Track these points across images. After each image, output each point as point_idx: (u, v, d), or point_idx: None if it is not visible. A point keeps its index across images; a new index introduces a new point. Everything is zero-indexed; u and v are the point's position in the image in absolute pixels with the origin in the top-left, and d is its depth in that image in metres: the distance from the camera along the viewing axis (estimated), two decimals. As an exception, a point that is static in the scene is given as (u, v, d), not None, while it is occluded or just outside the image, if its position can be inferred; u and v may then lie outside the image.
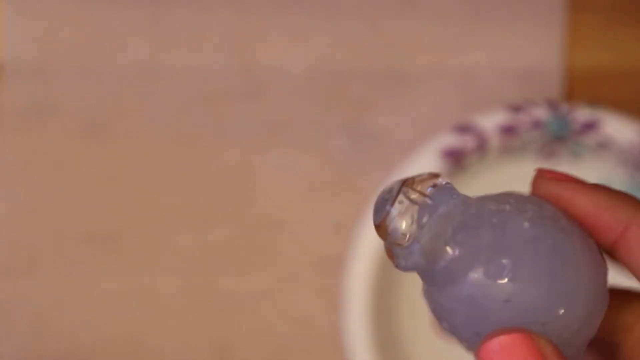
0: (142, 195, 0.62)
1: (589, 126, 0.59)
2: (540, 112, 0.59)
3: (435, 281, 0.30)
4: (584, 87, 0.62)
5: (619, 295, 0.32)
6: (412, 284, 0.61)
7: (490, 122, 0.59)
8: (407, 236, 0.30)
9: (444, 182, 0.31)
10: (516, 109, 0.59)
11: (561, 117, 0.59)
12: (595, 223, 0.30)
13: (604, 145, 0.59)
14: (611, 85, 0.63)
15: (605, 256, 0.31)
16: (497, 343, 0.28)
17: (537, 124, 0.59)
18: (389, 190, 0.31)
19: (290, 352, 0.62)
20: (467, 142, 0.59)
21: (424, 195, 0.30)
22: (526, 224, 0.30)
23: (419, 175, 0.31)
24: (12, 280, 0.62)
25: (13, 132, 0.63)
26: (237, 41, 0.63)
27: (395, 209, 0.31)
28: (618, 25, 0.63)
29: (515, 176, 0.61)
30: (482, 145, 0.59)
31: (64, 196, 0.62)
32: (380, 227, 0.31)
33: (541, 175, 0.31)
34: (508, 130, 0.59)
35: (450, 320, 0.30)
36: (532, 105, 0.59)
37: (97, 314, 0.62)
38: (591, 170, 0.61)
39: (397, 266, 0.30)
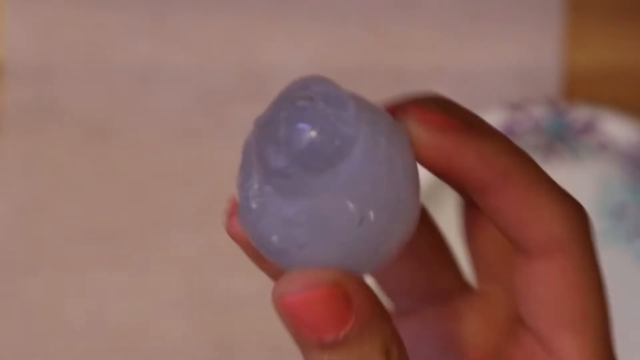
0: (142, 195, 0.62)
1: (589, 126, 0.59)
2: (540, 112, 0.59)
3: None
4: (584, 87, 0.62)
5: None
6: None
7: (490, 121, 0.59)
8: None
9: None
10: (516, 108, 0.59)
11: (561, 117, 0.59)
12: (469, 174, 0.29)
13: (604, 145, 0.59)
14: (611, 85, 0.63)
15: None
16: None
17: (536, 124, 0.59)
18: None
19: (290, 351, 0.62)
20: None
21: None
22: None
23: None
24: (12, 279, 0.62)
25: (14, 132, 0.63)
26: (238, 41, 0.63)
27: None
28: (618, 25, 0.63)
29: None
30: (481, 145, 0.59)
31: (64, 196, 0.62)
32: None
33: (420, 119, 0.29)
34: (507, 130, 0.59)
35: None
36: (532, 105, 0.59)
37: (97, 313, 0.62)
38: (591, 170, 0.61)
39: None
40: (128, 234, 0.62)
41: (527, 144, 0.60)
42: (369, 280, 0.30)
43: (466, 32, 0.63)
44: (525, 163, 0.29)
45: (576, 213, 0.29)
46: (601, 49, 0.63)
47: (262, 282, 0.63)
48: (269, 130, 0.28)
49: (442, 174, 0.30)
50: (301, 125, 0.28)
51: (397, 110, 0.29)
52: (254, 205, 0.28)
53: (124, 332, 0.62)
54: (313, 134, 0.27)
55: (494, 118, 0.59)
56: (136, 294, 0.62)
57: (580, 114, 0.59)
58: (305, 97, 0.28)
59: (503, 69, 0.62)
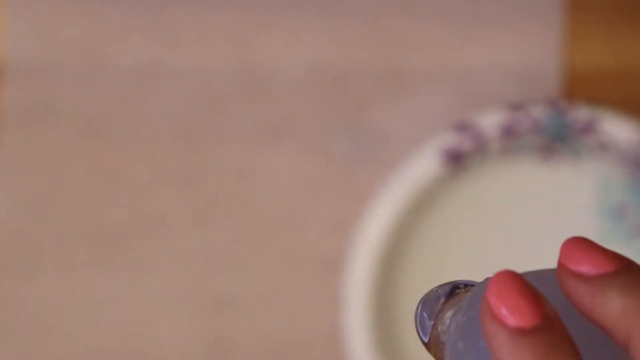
0: (142, 195, 0.63)
1: (589, 126, 0.59)
2: (540, 112, 0.59)
3: None
4: (584, 87, 0.63)
5: None
6: (411, 283, 0.61)
7: (490, 121, 0.59)
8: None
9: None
10: (516, 108, 0.59)
11: (561, 117, 0.59)
12: (608, 327, 0.29)
13: (604, 145, 0.59)
14: (611, 85, 0.63)
15: None
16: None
17: (537, 124, 0.59)
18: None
19: (290, 352, 0.62)
20: (466, 141, 0.59)
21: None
22: None
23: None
24: (12, 279, 0.62)
25: (14, 132, 0.63)
26: (238, 41, 0.63)
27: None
28: (618, 25, 0.63)
29: (514, 176, 0.61)
30: (481, 145, 0.59)
31: (64, 196, 0.62)
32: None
33: (565, 270, 0.29)
34: (508, 130, 0.59)
35: None
36: (532, 105, 0.59)
37: (97, 313, 0.62)
38: (591, 170, 0.61)
39: None
40: (128, 233, 0.62)
41: (527, 144, 0.60)
42: None
43: (466, 32, 0.63)
44: None
45: None
46: (601, 49, 0.63)
47: (262, 282, 0.63)
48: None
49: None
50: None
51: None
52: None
53: (124, 332, 0.62)
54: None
55: (494, 118, 0.59)
56: (136, 293, 0.62)
57: (580, 114, 0.59)
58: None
59: (503, 68, 0.62)
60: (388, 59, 0.63)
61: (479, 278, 0.61)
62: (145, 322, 0.62)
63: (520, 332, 0.28)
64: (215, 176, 0.63)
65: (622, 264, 0.29)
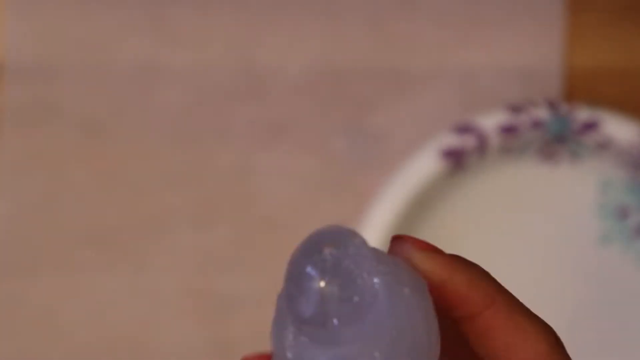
0: (142, 195, 0.63)
1: (589, 126, 0.59)
2: (540, 112, 0.59)
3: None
4: (584, 87, 0.62)
5: None
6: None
7: (490, 122, 0.59)
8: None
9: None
10: (516, 109, 0.59)
11: (561, 117, 0.59)
12: (461, 299, 0.32)
13: (604, 146, 0.59)
14: (611, 85, 0.63)
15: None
16: None
17: (537, 124, 0.59)
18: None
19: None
20: (467, 142, 0.59)
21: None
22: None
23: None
24: (12, 280, 0.62)
25: (13, 132, 0.63)
26: (238, 41, 0.63)
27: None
28: (618, 25, 0.63)
29: (514, 176, 0.61)
30: (482, 145, 0.59)
31: (64, 196, 0.62)
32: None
33: (410, 244, 0.33)
34: (508, 130, 0.59)
35: None
36: (532, 105, 0.59)
37: (97, 313, 0.62)
38: (591, 170, 0.61)
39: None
40: (128, 234, 0.62)
41: (527, 144, 0.60)
42: None
43: (467, 33, 0.63)
44: (504, 290, 0.33)
45: (551, 331, 0.32)
46: (601, 49, 0.63)
47: (262, 282, 0.63)
48: (297, 284, 0.30)
49: (441, 303, 0.33)
50: (326, 279, 0.30)
51: (395, 243, 0.33)
52: (289, 355, 0.31)
53: (124, 333, 0.62)
54: (337, 287, 0.30)
55: (494, 118, 0.59)
56: (136, 294, 0.62)
57: (580, 114, 0.59)
58: (329, 246, 0.30)
59: (504, 69, 0.62)
60: (388, 59, 0.63)
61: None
62: (146, 322, 0.62)
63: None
64: (215, 176, 0.63)
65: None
